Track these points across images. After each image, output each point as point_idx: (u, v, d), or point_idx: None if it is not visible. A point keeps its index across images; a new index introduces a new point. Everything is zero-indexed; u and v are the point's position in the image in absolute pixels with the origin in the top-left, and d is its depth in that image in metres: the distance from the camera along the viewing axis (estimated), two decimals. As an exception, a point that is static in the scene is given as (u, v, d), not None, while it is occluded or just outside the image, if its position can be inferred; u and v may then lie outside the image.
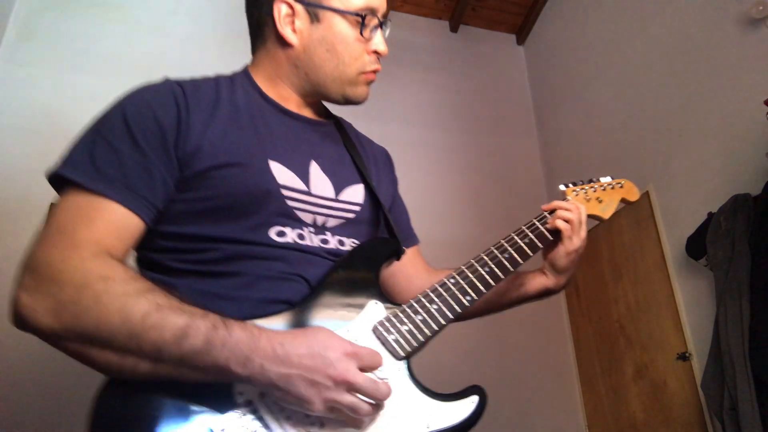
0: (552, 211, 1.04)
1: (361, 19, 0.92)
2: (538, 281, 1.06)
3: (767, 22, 2.33)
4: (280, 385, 0.68)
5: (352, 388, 0.70)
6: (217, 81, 0.94)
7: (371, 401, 0.72)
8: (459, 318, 0.92)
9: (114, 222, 0.76)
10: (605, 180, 1.16)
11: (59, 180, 0.79)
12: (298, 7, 0.92)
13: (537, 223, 1.03)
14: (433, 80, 3.84)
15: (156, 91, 0.85)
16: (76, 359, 0.70)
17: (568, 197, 1.10)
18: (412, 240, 1.17)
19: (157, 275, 0.82)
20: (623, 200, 1.18)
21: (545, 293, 1.07)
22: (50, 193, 2.74)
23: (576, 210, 1.02)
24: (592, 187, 1.14)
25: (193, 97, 0.86)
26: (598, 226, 3.21)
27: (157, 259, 0.84)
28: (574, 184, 1.14)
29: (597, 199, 1.13)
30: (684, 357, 2.53)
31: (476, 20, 4.16)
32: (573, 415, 3.22)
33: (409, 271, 1.09)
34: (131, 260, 0.82)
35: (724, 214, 2.24)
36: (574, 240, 1.01)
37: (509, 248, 0.97)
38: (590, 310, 3.25)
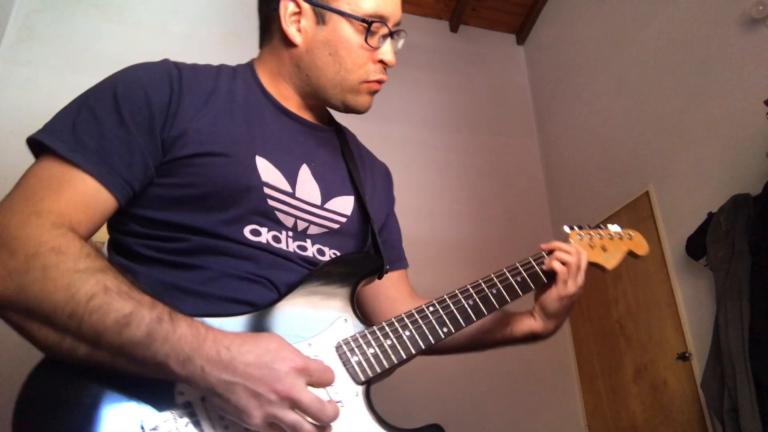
0: (550, 252, 0.98)
1: (367, 25, 0.89)
2: (525, 324, 1.00)
3: (767, 22, 2.33)
4: (220, 392, 0.63)
5: (296, 405, 0.64)
6: (218, 69, 0.93)
7: (315, 423, 0.66)
8: (432, 350, 0.86)
9: (84, 195, 0.72)
10: (614, 228, 1.10)
11: (37, 145, 0.76)
12: (305, 6, 0.89)
13: (532, 262, 0.97)
14: (433, 80, 3.84)
15: (152, 70, 0.83)
16: (17, 332, 0.67)
17: (571, 240, 1.04)
18: (401, 263, 1.11)
19: (123, 260, 0.79)
20: (631, 253, 1.10)
21: (531, 337, 1.01)
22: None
23: (576, 254, 0.96)
24: (598, 234, 1.08)
25: (188, 81, 0.84)
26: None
27: (125, 242, 0.81)
28: (580, 228, 1.07)
29: (602, 247, 1.06)
30: (684, 357, 2.53)
31: (476, 20, 4.16)
32: (573, 415, 3.22)
33: (392, 294, 1.04)
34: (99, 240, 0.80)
35: (724, 214, 2.24)
36: (569, 285, 0.95)
37: (498, 284, 0.92)
38: (590, 310, 3.25)
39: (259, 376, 0.63)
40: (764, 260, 2.02)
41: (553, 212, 3.73)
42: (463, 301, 0.88)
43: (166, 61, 0.87)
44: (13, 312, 0.65)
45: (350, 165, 0.99)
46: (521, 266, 0.96)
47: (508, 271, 0.95)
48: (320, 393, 0.72)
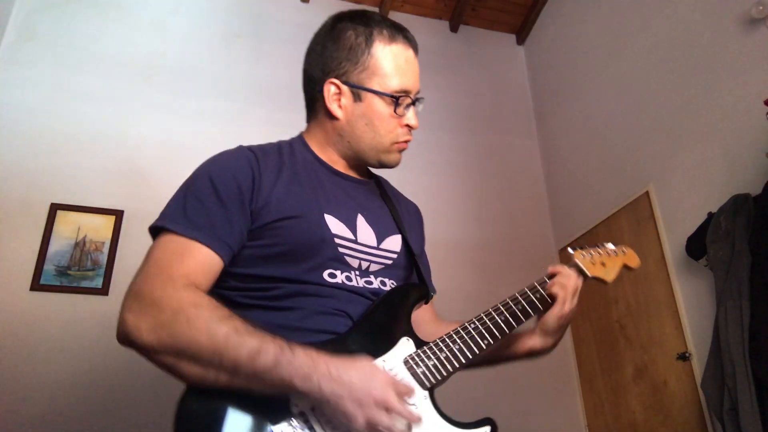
0: (552, 276, 1.13)
1: (395, 100, 1.09)
2: (527, 342, 1.16)
3: (767, 22, 2.33)
4: (332, 401, 0.81)
5: (390, 410, 0.82)
6: (279, 146, 1.12)
7: (403, 424, 0.84)
8: (473, 363, 1.06)
9: (201, 261, 0.92)
10: (609, 246, 1.28)
11: (159, 230, 0.95)
12: (345, 87, 1.09)
13: (538, 287, 1.13)
14: (433, 80, 3.84)
15: (234, 157, 1.04)
16: (167, 371, 0.84)
17: (576, 260, 1.19)
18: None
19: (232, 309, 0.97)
20: (625, 266, 1.27)
21: (532, 354, 1.16)
22: (51, 193, 2.75)
23: (574, 279, 1.12)
24: (597, 252, 1.24)
25: (263, 161, 1.04)
26: (597, 226, 3.22)
27: (227, 295, 0.99)
28: (581, 248, 1.23)
29: (601, 263, 1.23)
30: (684, 357, 2.53)
31: (476, 20, 4.16)
32: (573, 415, 3.22)
33: (417, 318, 1.19)
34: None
35: (724, 214, 2.24)
36: (566, 306, 1.09)
37: (522, 300, 1.09)
38: (590, 310, 3.25)
39: (360, 387, 0.82)
40: (764, 260, 2.02)
41: (553, 212, 3.73)
42: (497, 317, 1.06)
43: (241, 148, 1.06)
44: (166, 355, 0.83)
45: (391, 209, 1.20)
46: (533, 288, 1.12)
47: (529, 290, 1.11)
48: None
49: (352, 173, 1.17)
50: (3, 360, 2.42)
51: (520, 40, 4.29)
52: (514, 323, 1.07)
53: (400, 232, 1.17)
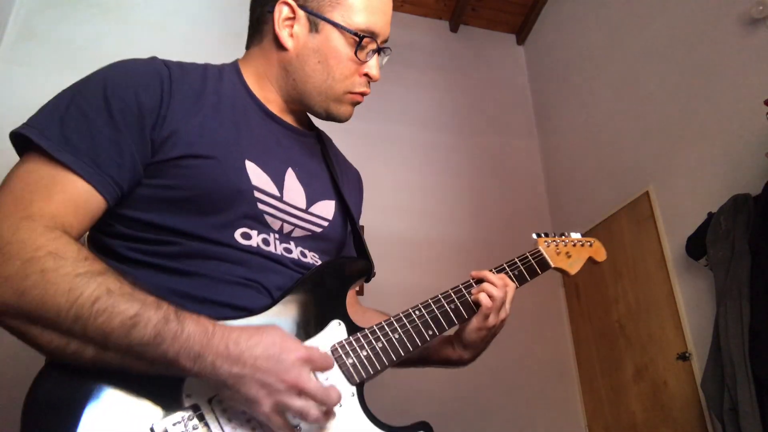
0: (479, 281, 0.99)
1: (358, 39, 0.91)
2: (443, 350, 1.03)
3: (767, 22, 2.33)
4: (230, 384, 0.66)
5: (303, 392, 0.68)
6: (205, 68, 0.93)
7: (320, 408, 0.69)
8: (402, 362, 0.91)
9: (74, 197, 0.72)
10: (575, 236, 1.20)
11: (23, 140, 0.74)
12: (300, 12, 0.91)
13: (463, 290, 0.99)
14: (433, 80, 3.84)
15: (142, 69, 0.83)
16: (18, 337, 0.67)
17: (539, 247, 1.12)
18: None
19: (110, 261, 0.77)
20: (590, 259, 1.19)
21: (446, 363, 1.04)
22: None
23: (502, 288, 0.97)
24: (563, 241, 1.16)
25: (178, 81, 0.84)
26: (597, 226, 3.22)
27: (110, 244, 0.80)
28: (546, 235, 1.16)
29: (566, 253, 1.15)
30: (684, 357, 2.53)
31: (476, 20, 4.16)
32: (573, 415, 3.22)
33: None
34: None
35: (724, 214, 2.24)
36: (491, 318, 0.96)
37: (455, 299, 0.96)
38: (590, 310, 3.25)
39: (266, 367, 0.66)
40: (764, 260, 2.02)
41: (553, 212, 3.72)
42: (446, 305, 0.93)
43: (155, 60, 0.87)
44: (11, 318, 0.65)
45: (332, 170, 1.02)
46: (459, 291, 0.98)
47: (452, 294, 0.98)
48: None
49: (288, 119, 0.97)
50: (3, 360, 2.41)
51: (520, 40, 4.29)
52: (464, 313, 0.95)
53: (337, 198, 0.99)
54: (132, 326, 0.64)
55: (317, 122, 1.06)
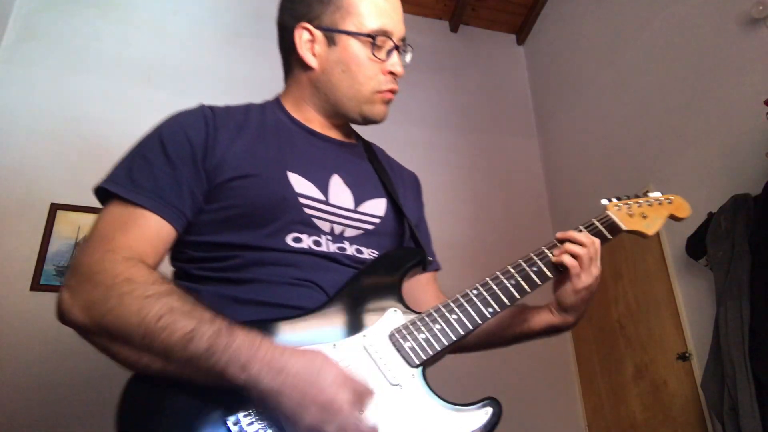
0: (563, 242, 0.97)
1: (372, 40, 0.97)
2: (543, 318, 1.01)
3: (767, 22, 2.33)
4: (271, 396, 0.70)
5: (338, 416, 0.69)
6: (248, 107, 1.02)
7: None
8: (468, 346, 0.93)
9: (147, 229, 0.83)
10: (653, 195, 1.12)
11: (102, 193, 0.87)
12: (317, 32, 0.98)
13: (546, 251, 0.97)
14: (433, 80, 3.84)
15: (189, 114, 0.93)
16: (103, 353, 0.76)
17: (608, 212, 1.06)
18: (433, 265, 1.14)
19: (186, 283, 0.87)
20: (672, 216, 1.11)
21: (552, 330, 1.02)
22: (50, 193, 2.76)
23: (589, 244, 0.95)
24: (637, 202, 1.10)
25: (222, 117, 0.94)
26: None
27: (185, 268, 0.90)
28: (618, 199, 1.09)
29: (641, 214, 1.08)
30: (684, 357, 2.53)
31: (476, 20, 4.16)
32: (573, 415, 3.22)
33: (418, 295, 1.05)
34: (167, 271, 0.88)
35: (724, 214, 2.24)
36: (583, 278, 0.94)
37: (531, 265, 0.95)
38: (590, 310, 3.23)
39: (304, 385, 0.70)
40: (764, 260, 2.02)
41: (553, 212, 3.73)
42: (505, 281, 0.92)
43: (201, 106, 0.96)
44: (98, 336, 0.75)
45: (379, 171, 1.07)
46: (542, 252, 0.98)
47: (536, 256, 0.97)
48: (379, 378, 0.79)
49: (332, 134, 1.04)
50: (3, 360, 2.41)
51: (520, 40, 4.29)
52: (526, 287, 0.92)
53: (387, 196, 1.03)
54: (189, 340, 0.70)
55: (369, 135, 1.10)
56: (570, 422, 3.19)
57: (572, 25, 3.76)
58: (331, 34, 0.98)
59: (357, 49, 0.97)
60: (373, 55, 0.97)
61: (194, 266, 0.89)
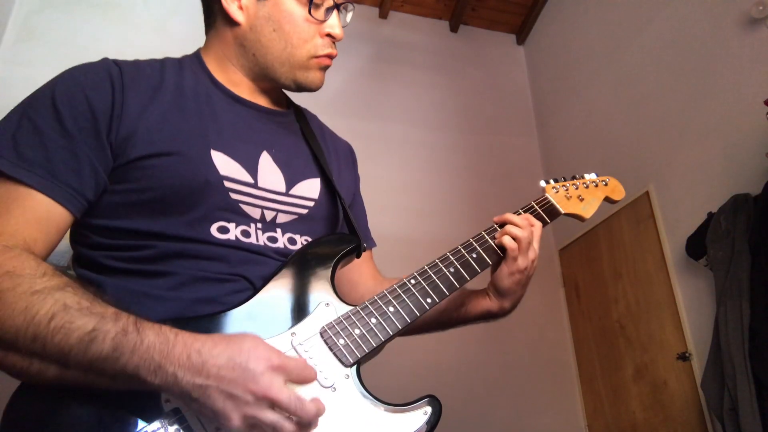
0: (502, 225, 0.95)
1: None
2: (480, 303, 0.97)
3: (767, 22, 2.33)
4: (195, 397, 0.61)
5: (275, 404, 0.62)
6: (162, 63, 0.89)
7: (297, 420, 0.64)
8: (409, 330, 0.85)
9: (35, 212, 0.69)
10: (589, 177, 1.11)
11: None
12: None
13: (486, 236, 0.94)
14: (433, 80, 3.84)
15: (90, 71, 0.79)
16: None
17: (547, 195, 1.05)
18: (368, 243, 1.08)
19: (90, 273, 0.76)
20: (607, 199, 1.11)
21: (487, 316, 0.98)
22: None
23: (527, 227, 0.93)
24: (573, 184, 1.08)
25: (131, 77, 0.80)
26: (598, 226, 3.21)
27: (90, 255, 0.78)
28: (555, 181, 1.08)
29: (578, 197, 1.07)
30: (684, 357, 2.53)
31: (476, 20, 4.16)
32: (573, 415, 3.22)
33: (353, 277, 1.01)
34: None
35: (724, 214, 2.24)
36: (519, 261, 0.91)
37: (470, 251, 0.91)
38: (590, 310, 3.25)
39: (232, 377, 0.61)
40: (764, 260, 2.02)
41: (553, 212, 3.72)
42: (445, 270, 0.87)
43: (104, 60, 0.83)
44: None
45: (313, 146, 0.95)
46: (481, 237, 0.95)
47: (475, 241, 0.94)
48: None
49: (260, 100, 0.92)
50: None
51: (520, 40, 4.29)
52: (467, 275, 0.88)
53: (321, 176, 0.93)
54: (90, 341, 0.60)
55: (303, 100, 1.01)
56: (570, 422, 3.19)
57: (572, 25, 3.76)
58: None
59: (291, 5, 0.86)
60: (310, 14, 0.86)
61: (101, 253, 0.77)
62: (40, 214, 0.70)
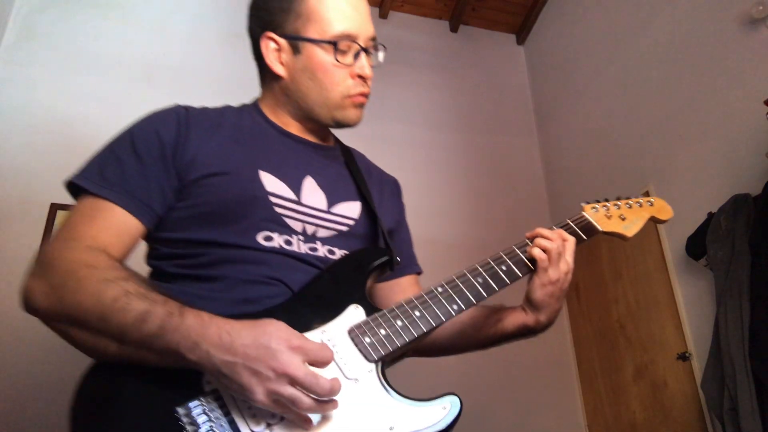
0: (534, 239, 0.99)
1: (334, 45, 0.97)
2: (517, 317, 1.00)
3: (767, 22, 2.33)
4: (225, 372, 0.70)
5: (293, 381, 0.70)
6: (224, 108, 1.04)
7: (314, 396, 0.71)
8: (428, 350, 0.95)
9: (113, 222, 0.85)
10: (632, 199, 1.12)
11: (73, 188, 0.89)
12: (282, 41, 0.99)
13: (516, 250, 0.98)
14: (433, 80, 3.84)
15: (162, 112, 0.95)
16: (63, 338, 0.78)
17: (584, 213, 1.06)
18: (412, 268, 1.17)
19: (159, 282, 0.88)
20: (653, 219, 1.11)
21: (525, 331, 1.00)
22: (51, 193, 2.76)
23: (558, 239, 0.96)
24: (615, 204, 1.10)
25: (195, 117, 0.96)
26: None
27: (158, 265, 0.92)
28: (597, 202, 1.09)
29: (620, 216, 1.08)
30: (684, 357, 2.53)
31: (476, 20, 4.16)
32: (573, 415, 3.22)
33: (397, 293, 1.06)
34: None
35: (724, 214, 2.24)
36: (551, 272, 0.94)
37: (507, 260, 0.95)
38: (590, 310, 3.25)
39: (256, 355, 0.69)
40: (764, 260, 2.02)
41: (553, 212, 3.72)
42: (472, 279, 0.91)
43: (176, 105, 0.98)
44: (57, 322, 0.77)
45: (356, 175, 1.07)
46: (512, 251, 0.99)
47: (505, 255, 0.98)
48: (335, 372, 0.79)
49: (309, 138, 1.05)
50: (3, 360, 2.41)
51: (520, 40, 4.29)
52: (495, 286, 0.92)
53: (362, 200, 1.04)
54: (143, 321, 0.71)
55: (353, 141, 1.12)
56: (570, 422, 3.19)
57: (572, 25, 3.76)
58: (295, 43, 0.99)
59: (321, 56, 0.98)
60: (337, 60, 0.98)
61: (166, 263, 0.91)
62: (118, 224, 0.85)
